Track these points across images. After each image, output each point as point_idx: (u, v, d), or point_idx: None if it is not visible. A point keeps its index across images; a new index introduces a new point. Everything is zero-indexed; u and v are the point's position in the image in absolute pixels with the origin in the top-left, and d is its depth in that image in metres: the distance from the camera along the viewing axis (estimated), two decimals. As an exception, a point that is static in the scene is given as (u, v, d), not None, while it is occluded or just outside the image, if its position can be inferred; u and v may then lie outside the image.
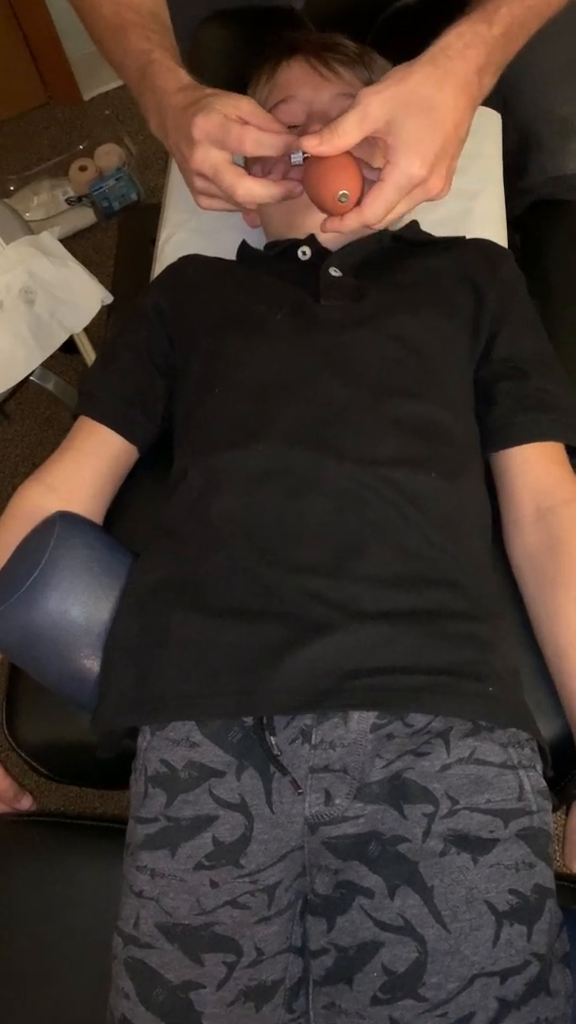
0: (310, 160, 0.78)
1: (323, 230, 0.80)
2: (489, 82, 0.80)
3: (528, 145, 1.21)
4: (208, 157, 0.80)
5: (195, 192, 0.86)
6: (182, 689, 0.68)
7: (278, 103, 0.92)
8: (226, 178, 0.80)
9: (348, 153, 0.77)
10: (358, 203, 0.77)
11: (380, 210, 0.76)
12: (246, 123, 0.79)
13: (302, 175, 0.81)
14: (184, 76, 0.86)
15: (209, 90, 0.83)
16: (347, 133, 0.74)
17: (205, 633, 0.68)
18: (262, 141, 0.79)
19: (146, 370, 0.89)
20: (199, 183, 0.83)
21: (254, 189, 0.80)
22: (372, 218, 0.76)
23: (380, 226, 0.79)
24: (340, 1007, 0.62)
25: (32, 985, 0.77)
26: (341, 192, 0.77)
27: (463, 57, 0.76)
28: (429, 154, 0.74)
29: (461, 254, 0.90)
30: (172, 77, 0.85)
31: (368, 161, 0.82)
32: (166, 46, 0.90)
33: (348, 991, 0.62)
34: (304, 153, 0.78)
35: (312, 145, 0.75)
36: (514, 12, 0.81)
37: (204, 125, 0.78)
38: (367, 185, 0.78)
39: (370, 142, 0.77)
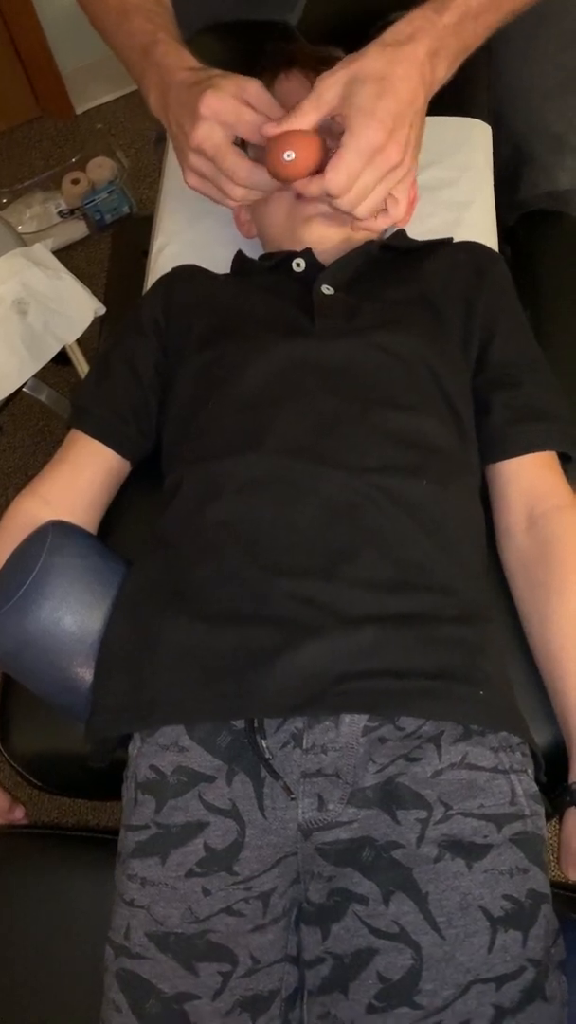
0: None
1: (294, 190, 0.80)
2: (444, 69, 0.81)
3: (521, 160, 1.22)
4: (211, 136, 0.81)
5: (186, 168, 0.87)
6: (172, 693, 0.68)
7: None
8: (228, 159, 0.82)
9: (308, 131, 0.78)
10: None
11: (342, 176, 0.76)
12: (252, 107, 0.81)
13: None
14: (189, 57, 0.87)
15: (215, 71, 0.84)
16: (303, 115, 0.77)
17: (197, 638, 0.68)
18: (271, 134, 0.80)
19: (140, 386, 0.89)
20: (194, 160, 0.84)
21: (255, 175, 0.82)
22: (333, 183, 0.76)
23: (350, 201, 0.77)
24: (336, 1016, 0.62)
25: (25, 998, 0.76)
26: (286, 151, 0.77)
27: (412, 40, 0.78)
28: (387, 119, 0.75)
29: (451, 260, 0.91)
30: (177, 56, 0.87)
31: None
32: (170, 30, 0.91)
33: (343, 1000, 0.61)
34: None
35: (271, 128, 0.77)
36: (469, 3, 0.82)
37: (214, 103, 0.80)
38: None
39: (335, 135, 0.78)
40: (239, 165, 0.82)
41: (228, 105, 0.80)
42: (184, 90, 0.83)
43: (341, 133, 0.77)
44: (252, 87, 0.82)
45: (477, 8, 0.82)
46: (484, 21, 0.84)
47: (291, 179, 0.79)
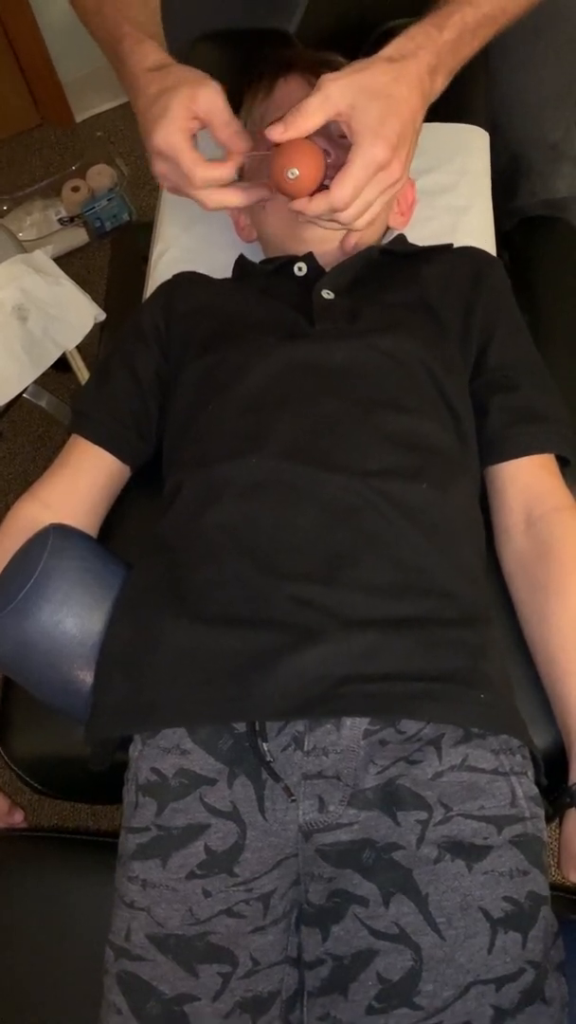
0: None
1: (292, 209, 0.80)
2: (440, 83, 0.84)
3: (519, 169, 1.23)
4: (169, 175, 0.82)
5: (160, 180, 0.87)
6: (173, 696, 0.68)
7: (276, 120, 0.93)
8: (196, 193, 0.82)
9: (310, 139, 0.78)
10: (325, 188, 0.78)
11: (348, 191, 0.76)
12: (205, 125, 0.82)
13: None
14: (150, 52, 0.86)
15: (172, 74, 0.83)
16: (310, 115, 0.76)
17: (197, 640, 0.68)
18: (208, 178, 0.81)
19: (140, 391, 0.89)
20: (162, 180, 0.85)
21: (227, 197, 0.83)
22: (340, 199, 0.77)
23: (350, 215, 0.78)
24: (335, 1017, 0.62)
25: (25, 1000, 0.76)
26: (289, 169, 0.77)
27: (415, 57, 0.79)
28: (392, 137, 0.76)
29: (449, 265, 0.91)
30: (140, 52, 0.86)
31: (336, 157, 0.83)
32: (137, 20, 0.91)
33: (343, 1001, 0.61)
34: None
35: (278, 133, 0.77)
36: (467, 19, 0.84)
37: (160, 143, 0.80)
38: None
39: (338, 142, 0.78)
40: (209, 197, 0.83)
41: (173, 143, 0.80)
42: (143, 105, 0.83)
43: (340, 136, 0.78)
44: (203, 100, 0.81)
45: (474, 24, 0.84)
46: (480, 35, 0.86)
47: (295, 196, 0.79)
